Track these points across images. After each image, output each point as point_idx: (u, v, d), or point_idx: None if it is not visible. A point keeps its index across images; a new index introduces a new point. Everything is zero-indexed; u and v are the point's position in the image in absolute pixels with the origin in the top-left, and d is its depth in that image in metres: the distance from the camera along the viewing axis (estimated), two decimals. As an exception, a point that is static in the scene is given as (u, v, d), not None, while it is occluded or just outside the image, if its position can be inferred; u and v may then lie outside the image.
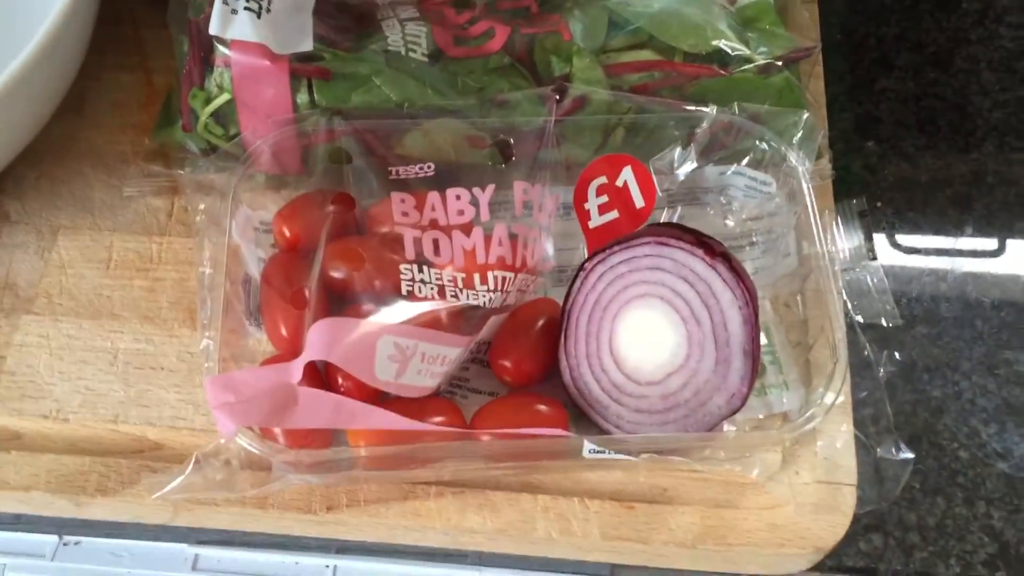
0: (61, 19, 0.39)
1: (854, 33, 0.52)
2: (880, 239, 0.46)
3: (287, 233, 0.39)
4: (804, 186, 0.37)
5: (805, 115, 0.38)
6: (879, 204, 0.47)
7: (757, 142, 0.39)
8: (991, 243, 0.46)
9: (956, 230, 0.46)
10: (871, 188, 0.48)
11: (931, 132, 0.49)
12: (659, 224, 0.39)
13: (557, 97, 0.39)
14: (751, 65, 0.41)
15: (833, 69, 0.51)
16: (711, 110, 0.39)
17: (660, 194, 0.39)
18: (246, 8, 0.38)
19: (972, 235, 0.46)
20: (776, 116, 0.38)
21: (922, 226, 0.47)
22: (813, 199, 0.37)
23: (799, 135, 0.38)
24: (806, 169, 0.38)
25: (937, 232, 0.47)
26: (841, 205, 0.39)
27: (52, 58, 0.39)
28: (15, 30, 0.45)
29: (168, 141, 0.41)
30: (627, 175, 0.39)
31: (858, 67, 0.51)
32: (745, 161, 0.40)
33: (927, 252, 0.46)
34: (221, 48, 0.38)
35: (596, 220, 0.39)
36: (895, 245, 0.46)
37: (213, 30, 0.37)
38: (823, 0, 0.52)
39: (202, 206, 0.39)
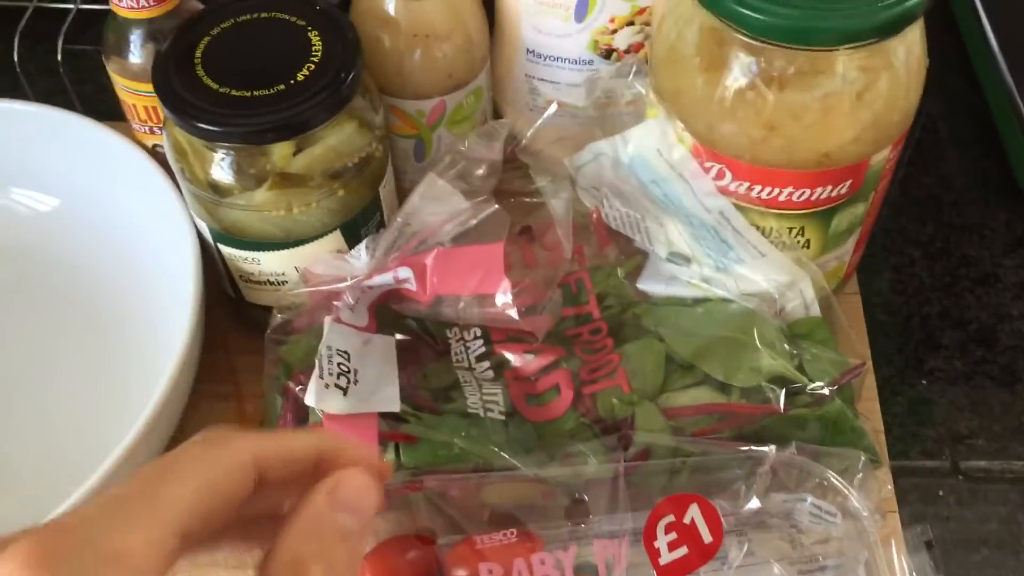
0: (170, 385, 0.43)
1: (897, 313, 0.55)
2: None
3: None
4: (868, 530, 0.39)
5: (862, 459, 0.40)
6: (941, 493, 0.49)
7: (817, 479, 0.41)
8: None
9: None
10: (930, 479, 0.49)
11: (983, 413, 0.51)
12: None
13: (624, 448, 0.41)
14: (804, 397, 0.43)
15: (881, 351, 0.53)
16: (771, 451, 0.41)
17: (727, 527, 0.41)
18: (336, 386, 0.41)
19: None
20: (834, 457, 0.41)
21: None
22: (878, 541, 0.39)
23: (859, 476, 0.40)
24: (870, 512, 0.39)
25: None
26: (908, 533, 0.41)
27: (168, 408, 0.43)
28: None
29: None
30: (694, 512, 0.41)
31: (905, 347, 0.54)
32: (809, 487, 0.42)
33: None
34: (317, 414, 0.42)
35: (666, 557, 0.41)
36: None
37: (310, 402, 0.41)
38: (864, 281, 0.55)
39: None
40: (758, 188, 0.43)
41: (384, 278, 0.44)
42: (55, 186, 0.54)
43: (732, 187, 0.43)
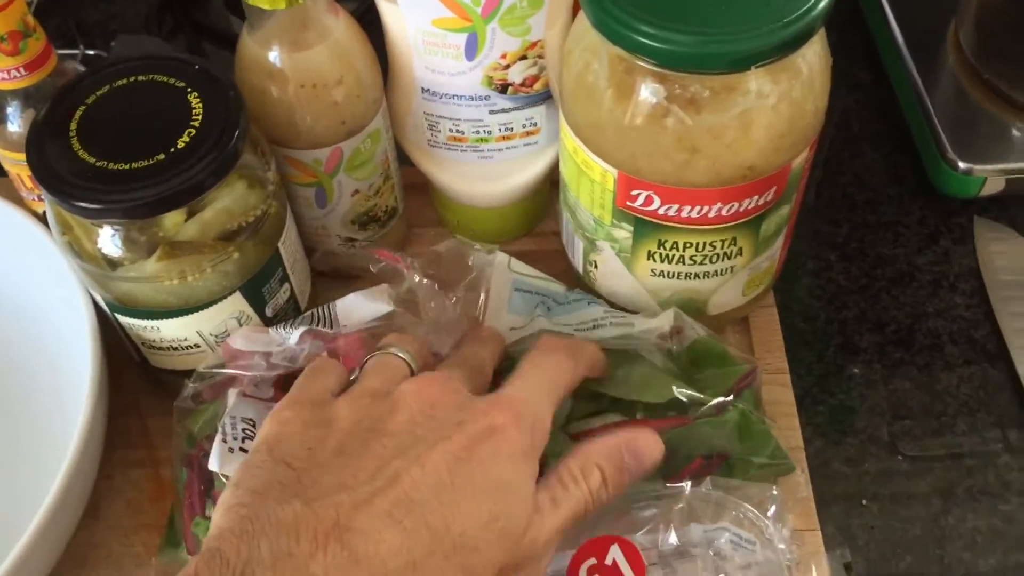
0: (75, 463, 0.42)
1: (815, 319, 0.55)
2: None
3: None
4: (783, 563, 0.39)
5: (774, 491, 0.40)
6: (864, 502, 0.49)
7: (733, 512, 0.41)
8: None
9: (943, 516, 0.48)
10: (853, 483, 0.49)
11: (903, 416, 0.52)
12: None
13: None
14: (706, 407, 0.43)
15: (801, 360, 0.53)
16: (686, 487, 0.41)
17: (648, 564, 0.41)
18: (241, 449, 0.40)
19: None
20: (750, 487, 0.41)
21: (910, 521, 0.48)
22: (794, 570, 0.39)
23: (772, 509, 0.40)
24: (786, 543, 0.40)
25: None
26: (830, 556, 0.41)
27: (72, 491, 0.42)
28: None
29: (172, 563, 0.44)
30: (615, 552, 0.41)
31: (825, 354, 0.54)
32: (728, 519, 0.42)
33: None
34: (223, 479, 0.41)
35: (592, 600, 0.41)
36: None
37: (213, 466, 0.40)
38: (783, 289, 0.55)
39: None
40: (688, 208, 0.43)
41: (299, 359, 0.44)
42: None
43: (662, 211, 0.43)
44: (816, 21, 0.38)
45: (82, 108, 0.42)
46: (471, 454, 0.34)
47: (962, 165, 0.56)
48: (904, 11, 0.64)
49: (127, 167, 0.40)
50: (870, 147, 0.63)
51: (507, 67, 0.47)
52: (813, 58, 0.41)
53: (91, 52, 0.67)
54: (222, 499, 0.34)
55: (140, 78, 0.43)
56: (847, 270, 0.57)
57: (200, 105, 0.42)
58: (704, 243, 0.44)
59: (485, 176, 0.52)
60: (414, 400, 0.36)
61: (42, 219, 0.48)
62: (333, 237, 0.51)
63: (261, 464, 0.34)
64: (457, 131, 0.50)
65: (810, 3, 0.38)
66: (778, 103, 0.40)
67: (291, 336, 0.44)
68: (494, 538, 0.33)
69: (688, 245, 0.45)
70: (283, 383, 0.45)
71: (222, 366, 0.45)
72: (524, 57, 0.46)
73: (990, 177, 0.56)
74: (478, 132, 0.50)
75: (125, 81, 0.43)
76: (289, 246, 0.47)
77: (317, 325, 0.45)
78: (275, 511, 0.31)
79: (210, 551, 0.30)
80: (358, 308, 0.45)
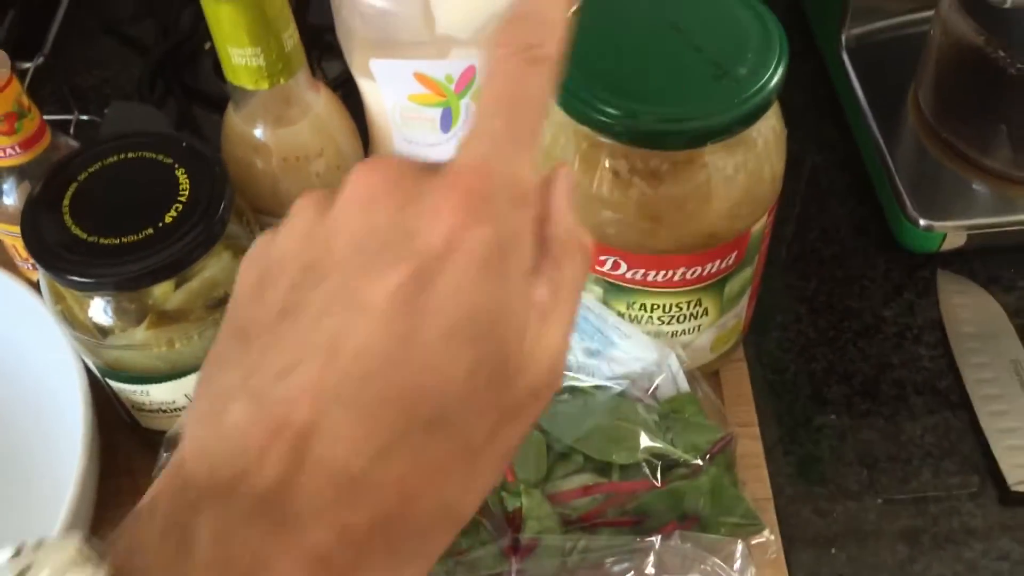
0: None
1: (785, 371, 0.57)
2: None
3: None
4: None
5: (740, 546, 0.42)
6: (833, 551, 0.51)
7: (701, 564, 0.42)
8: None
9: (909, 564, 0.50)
10: (822, 532, 0.51)
11: (870, 465, 0.53)
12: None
13: (514, 548, 0.43)
14: (680, 469, 0.45)
15: (771, 412, 0.55)
16: (656, 540, 0.43)
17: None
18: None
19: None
20: (717, 542, 0.42)
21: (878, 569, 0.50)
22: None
23: (738, 563, 0.42)
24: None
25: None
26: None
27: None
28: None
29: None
30: (591, 606, 0.43)
31: (794, 406, 0.56)
32: (697, 569, 0.43)
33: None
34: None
35: (567, 653, 0.43)
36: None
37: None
38: (753, 342, 0.57)
39: None
40: (653, 273, 0.45)
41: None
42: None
43: (629, 275, 0.45)
44: (767, 99, 0.40)
45: (74, 184, 0.44)
46: (428, 283, 0.23)
47: (923, 222, 0.58)
48: (866, 72, 0.66)
49: (117, 242, 0.42)
50: (837, 202, 0.65)
51: (481, 138, 0.49)
52: (767, 130, 0.43)
53: (85, 117, 0.69)
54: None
55: (130, 155, 0.45)
56: (815, 323, 0.59)
57: (187, 181, 0.44)
58: (670, 304, 0.46)
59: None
60: (354, 204, 0.25)
61: (36, 287, 0.50)
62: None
63: (220, 337, 0.26)
64: (435, 197, 0.52)
65: (761, 82, 0.40)
66: (735, 174, 0.42)
67: None
68: (481, 388, 0.24)
69: (655, 307, 0.47)
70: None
71: None
72: (497, 128, 0.49)
73: (950, 232, 0.59)
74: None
75: (116, 158, 0.45)
76: (274, 310, 0.49)
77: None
78: (223, 416, 0.24)
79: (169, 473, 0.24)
80: None
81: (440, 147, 0.49)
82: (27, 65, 0.72)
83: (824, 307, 0.60)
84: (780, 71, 0.41)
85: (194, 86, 0.73)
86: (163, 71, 0.74)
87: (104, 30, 0.79)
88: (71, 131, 0.68)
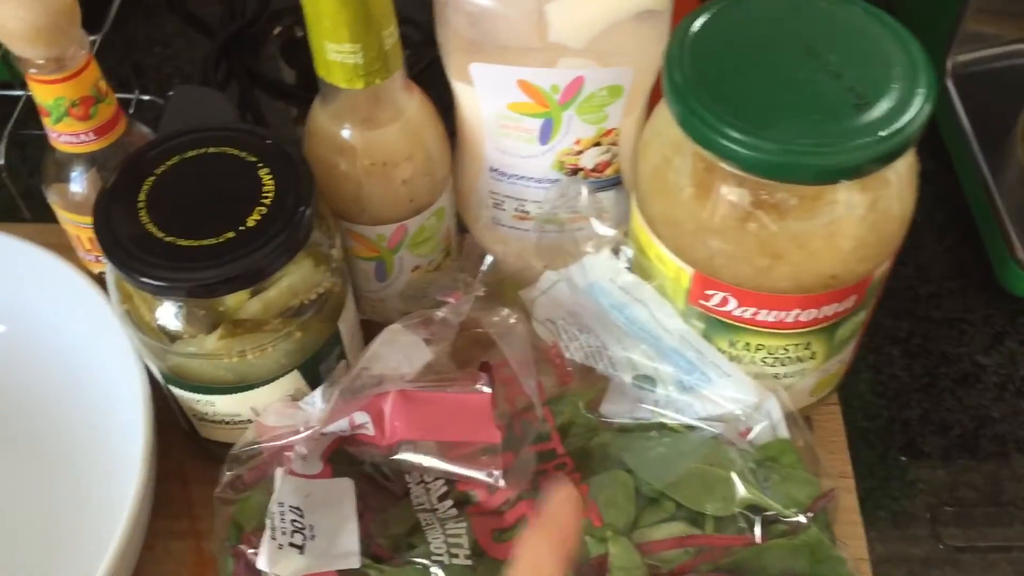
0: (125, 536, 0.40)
1: (877, 418, 0.54)
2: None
3: None
4: None
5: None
6: (925, 618, 0.47)
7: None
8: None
9: (1005, 636, 0.46)
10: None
11: (966, 525, 0.50)
12: None
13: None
14: (780, 526, 0.42)
15: (863, 461, 0.52)
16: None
17: None
18: (291, 544, 0.39)
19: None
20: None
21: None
22: None
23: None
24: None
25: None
26: None
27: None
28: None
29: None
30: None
31: (887, 456, 0.52)
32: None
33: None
34: (268, 576, 0.40)
35: None
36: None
37: (262, 566, 0.39)
38: (844, 384, 0.53)
39: None
40: (764, 312, 0.42)
41: (340, 424, 0.42)
42: (1, 312, 0.51)
43: (737, 312, 0.42)
44: (913, 136, 0.37)
45: (151, 179, 0.41)
46: None
47: (1033, 266, 0.55)
48: (972, 101, 0.63)
49: (195, 244, 0.39)
50: (934, 238, 0.61)
51: (580, 153, 0.46)
52: (903, 167, 0.40)
53: (146, 98, 0.66)
54: None
55: (211, 150, 0.42)
56: (910, 367, 0.55)
57: (272, 181, 0.41)
58: (778, 346, 0.43)
59: (543, 253, 0.51)
60: None
61: (98, 279, 0.48)
62: (390, 310, 0.50)
63: None
64: (522, 210, 0.49)
65: (908, 117, 0.37)
66: (866, 213, 0.39)
67: (315, 398, 0.43)
68: None
69: (760, 347, 0.43)
70: (331, 455, 0.44)
71: (255, 443, 0.44)
72: (598, 144, 0.46)
73: (1061, 279, 0.55)
74: (542, 212, 0.49)
75: (195, 152, 0.42)
76: (348, 322, 0.46)
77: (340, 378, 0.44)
78: None
79: None
80: (386, 356, 0.44)
81: (535, 159, 0.46)
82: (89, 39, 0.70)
83: (919, 351, 0.56)
84: (929, 105, 0.37)
85: (257, 70, 0.70)
86: (227, 53, 0.71)
87: (167, 7, 0.76)
88: (130, 110, 0.66)
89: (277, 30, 0.69)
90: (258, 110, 0.67)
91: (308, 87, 0.69)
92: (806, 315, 0.41)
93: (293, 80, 0.70)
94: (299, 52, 0.70)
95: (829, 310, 0.41)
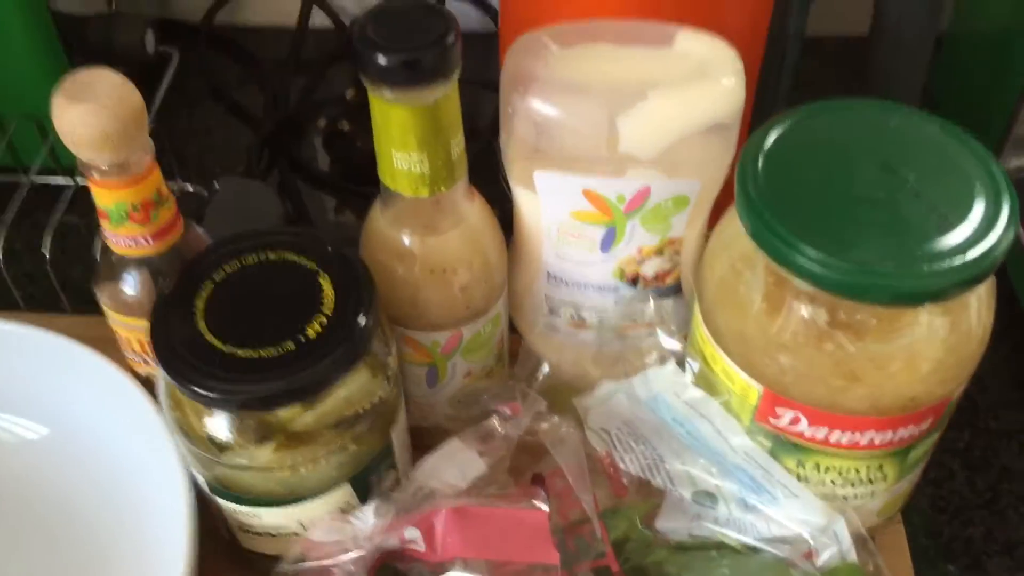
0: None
1: (939, 535, 0.52)
2: None
3: None
4: None
5: None
6: None
7: None
8: None
9: None
10: None
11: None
12: None
13: None
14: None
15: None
16: None
17: None
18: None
19: None
20: None
21: None
22: None
23: None
24: None
25: None
26: None
27: None
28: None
29: None
30: None
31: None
32: None
33: None
34: None
35: None
36: None
37: None
38: (908, 509, 0.51)
39: None
40: (837, 434, 0.40)
41: (389, 540, 0.40)
42: (44, 413, 0.50)
43: (809, 433, 0.40)
44: (999, 257, 0.36)
45: (210, 285, 0.40)
46: None
47: (1098, 380, 0.53)
48: (1025, 206, 0.62)
49: (255, 355, 0.38)
50: (990, 347, 0.59)
51: (641, 261, 0.45)
52: (983, 289, 0.39)
53: (190, 189, 0.66)
54: None
55: (270, 255, 0.41)
56: (972, 481, 0.54)
57: (331, 289, 0.40)
58: (849, 468, 0.41)
59: (600, 361, 0.50)
60: None
61: (144, 383, 0.46)
62: (438, 416, 0.49)
63: None
64: (579, 317, 0.48)
65: (994, 240, 0.36)
66: (947, 336, 0.38)
67: (367, 513, 0.42)
68: None
69: (830, 468, 0.42)
70: (378, 569, 0.42)
71: (303, 559, 0.42)
72: (660, 252, 0.45)
73: None
74: (600, 320, 0.48)
75: (254, 258, 0.41)
76: (400, 431, 0.45)
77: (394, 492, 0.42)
78: None
79: None
80: (441, 470, 0.43)
81: (595, 267, 0.45)
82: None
83: (980, 464, 0.54)
84: (1014, 227, 0.36)
85: (300, 160, 0.70)
86: (269, 142, 0.71)
87: (212, 96, 0.76)
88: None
89: (322, 122, 0.69)
90: (299, 200, 0.67)
91: (347, 177, 0.70)
92: (880, 437, 0.40)
93: (327, 167, 0.69)
94: (342, 143, 0.70)
95: (905, 432, 0.40)
